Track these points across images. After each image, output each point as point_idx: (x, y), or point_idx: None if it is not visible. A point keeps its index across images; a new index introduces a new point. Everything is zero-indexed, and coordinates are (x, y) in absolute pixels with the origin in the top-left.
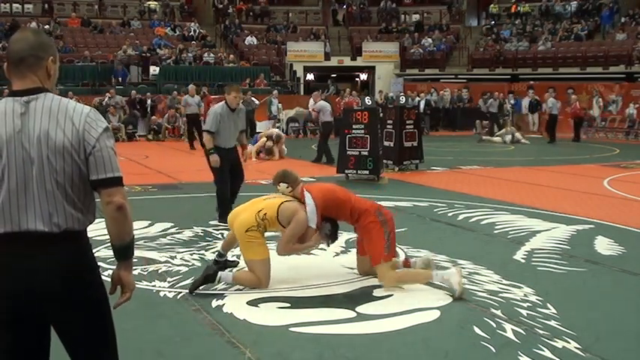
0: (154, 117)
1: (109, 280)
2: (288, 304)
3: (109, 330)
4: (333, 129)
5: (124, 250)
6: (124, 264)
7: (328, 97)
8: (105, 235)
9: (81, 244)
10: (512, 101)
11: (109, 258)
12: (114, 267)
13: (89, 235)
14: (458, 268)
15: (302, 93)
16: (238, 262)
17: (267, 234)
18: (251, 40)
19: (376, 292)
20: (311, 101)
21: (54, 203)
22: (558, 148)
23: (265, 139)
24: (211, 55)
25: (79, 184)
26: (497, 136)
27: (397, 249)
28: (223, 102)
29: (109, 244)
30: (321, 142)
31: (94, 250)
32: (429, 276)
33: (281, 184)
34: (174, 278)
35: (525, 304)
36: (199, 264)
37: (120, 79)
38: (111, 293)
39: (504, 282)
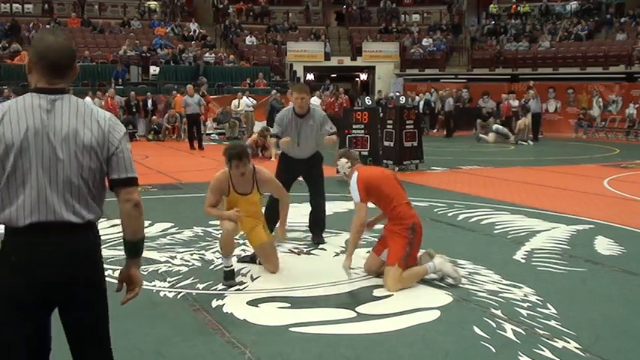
0: (154, 117)
1: (110, 279)
2: (288, 304)
3: (107, 319)
4: None
5: (137, 246)
6: (134, 261)
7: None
8: (105, 235)
9: (96, 233)
10: (511, 101)
11: (110, 258)
12: (114, 267)
13: None
14: (442, 256)
15: None
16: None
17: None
18: (251, 40)
19: (376, 292)
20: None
21: (77, 195)
22: (558, 148)
23: (254, 144)
24: (211, 55)
25: (98, 180)
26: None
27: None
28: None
29: (110, 244)
30: None
31: None
32: (424, 271)
33: (342, 158)
34: (174, 278)
35: (525, 304)
36: (199, 264)
37: (120, 79)
38: (117, 290)
39: (504, 282)
